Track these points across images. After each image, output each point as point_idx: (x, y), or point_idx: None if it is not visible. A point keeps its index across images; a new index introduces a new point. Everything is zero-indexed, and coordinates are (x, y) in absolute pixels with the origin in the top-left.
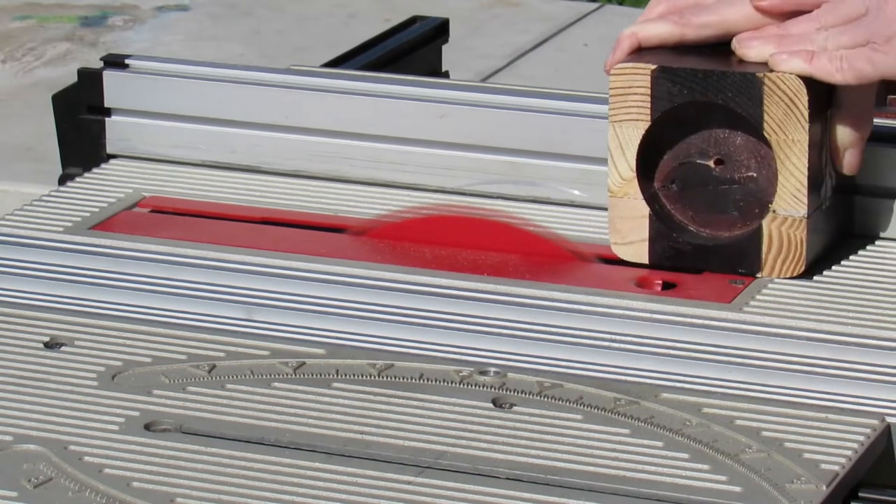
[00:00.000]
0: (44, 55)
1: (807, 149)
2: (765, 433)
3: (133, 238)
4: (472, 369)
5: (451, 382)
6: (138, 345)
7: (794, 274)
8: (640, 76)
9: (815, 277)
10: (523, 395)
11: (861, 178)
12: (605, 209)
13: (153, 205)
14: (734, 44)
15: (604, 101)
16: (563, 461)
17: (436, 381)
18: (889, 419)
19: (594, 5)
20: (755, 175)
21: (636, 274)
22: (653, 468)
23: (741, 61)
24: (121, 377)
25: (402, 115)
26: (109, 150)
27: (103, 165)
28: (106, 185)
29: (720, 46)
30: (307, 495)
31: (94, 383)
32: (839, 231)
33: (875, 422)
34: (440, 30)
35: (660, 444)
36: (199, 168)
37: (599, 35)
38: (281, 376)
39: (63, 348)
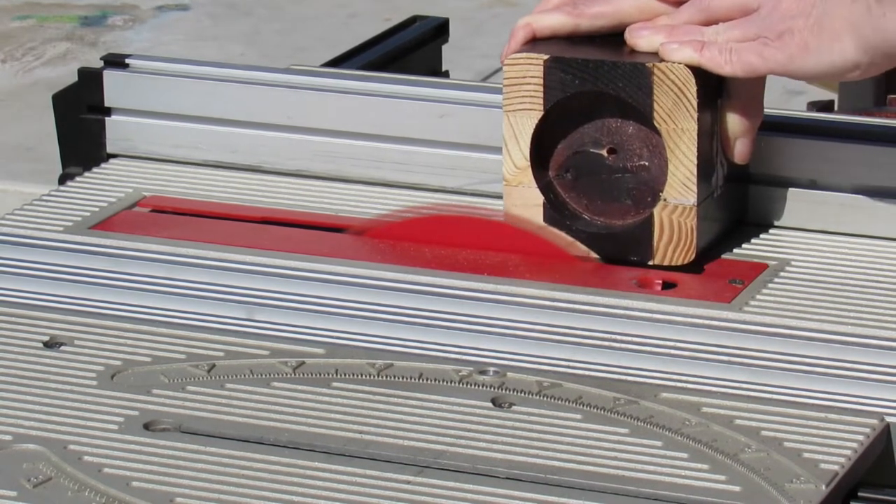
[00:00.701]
0: (44, 55)
1: (696, 138)
2: (764, 433)
3: (133, 238)
4: (471, 369)
5: (451, 382)
6: (138, 344)
7: (685, 262)
8: (534, 66)
9: (815, 277)
10: (523, 395)
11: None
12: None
13: (153, 204)
14: (626, 34)
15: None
16: (562, 461)
17: (435, 380)
18: (888, 419)
19: None
20: (647, 164)
21: (636, 274)
22: (652, 468)
23: (633, 51)
24: (120, 377)
25: (403, 115)
26: (109, 149)
27: (103, 165)
28: (106, 185)
29: (614, 37)
30: (307, 495)
31: (94, 383)
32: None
33: (874, 421)
34: (440, 30)
35: (659, 443)
36: (199, 168)
37: None
38: (280, 376)
39: (63, 348)
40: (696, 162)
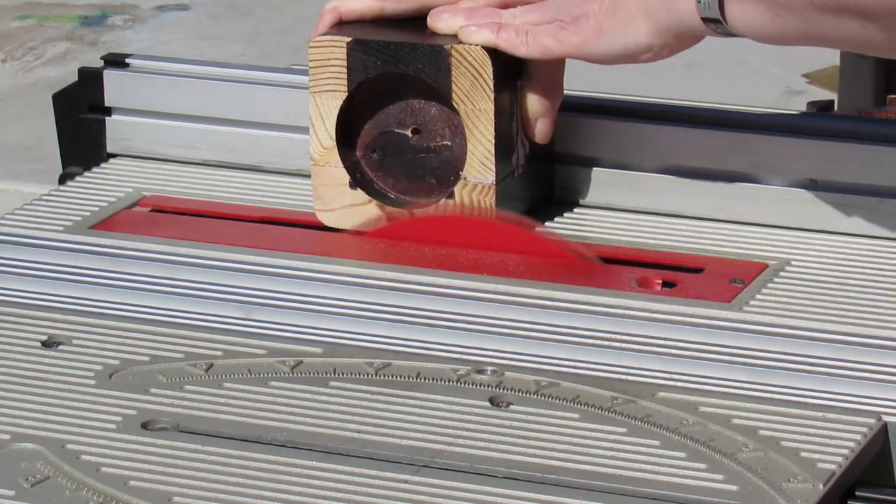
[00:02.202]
0: (44, 55)
1: (493, 118)
2: (762, 432)
3: (133, 237)
4: (469, 368)
5: (449, 381)
6: (136, 344)
7: None
8: (337, 48)
9: (815, 277)
10: (520, 394)
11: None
12: (606, 209)
13: (153, 204)
14: (428, 17)
15: (604, 101)
16: (559, 460)
17: (433, 379)
18: (886, 418)
19: None
20: (449, 144)
21: (636, 273)
22: (650, 467)
23: (434, 34)
24: (118, 376)
25: None
26: (110, 149)
27: (103, 165)
28: (106, 185)
29: (417, 20)
30: (304, 494)
31: (92, 382)
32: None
33: (872, 421)
34: None
35: (657, 442)
36: (199, 167)
37: None
38: (278, 375)
39: (60, 347)
40: (493, 142)
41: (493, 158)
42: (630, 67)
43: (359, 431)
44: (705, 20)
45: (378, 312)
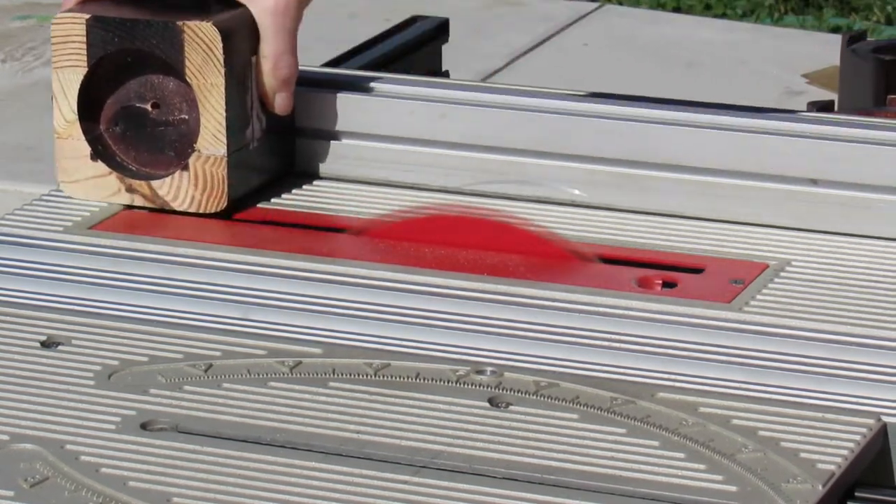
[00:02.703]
0: (44, 55)
1: (223, 92)
2: (761, 433)
3: (132, 238)
4: (468, 368)
5: (448, 382)
6: (135, 344)
7: (218, 209)
8: (77, 25)
9: (815, 277)
10: (520, 395)
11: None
12: (606, 209)
13: None
14: None
15: (604, 101)
16: (559, 460)
17: (432, 380)
18: (885, 418)
19: (594, 5)
20: (186, 118)
21: (636, 273)
22: (649, 468)
23: (170, 11)
24: (117, 376)
25: (403, 115)
26: None
27: None
28: None
29: None
30: (303, 495)
31: (91, 382)
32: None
33: (871, 421)
34: (440, 30)
35: (656, 443)
36: None
37: (599, 35)
38: (277, 375)
39: (60, 347)
40: (224, 115)
41: (224, 132)
42: (630, 69)
43: (358, 432)
44: None
45: (377, 313)
